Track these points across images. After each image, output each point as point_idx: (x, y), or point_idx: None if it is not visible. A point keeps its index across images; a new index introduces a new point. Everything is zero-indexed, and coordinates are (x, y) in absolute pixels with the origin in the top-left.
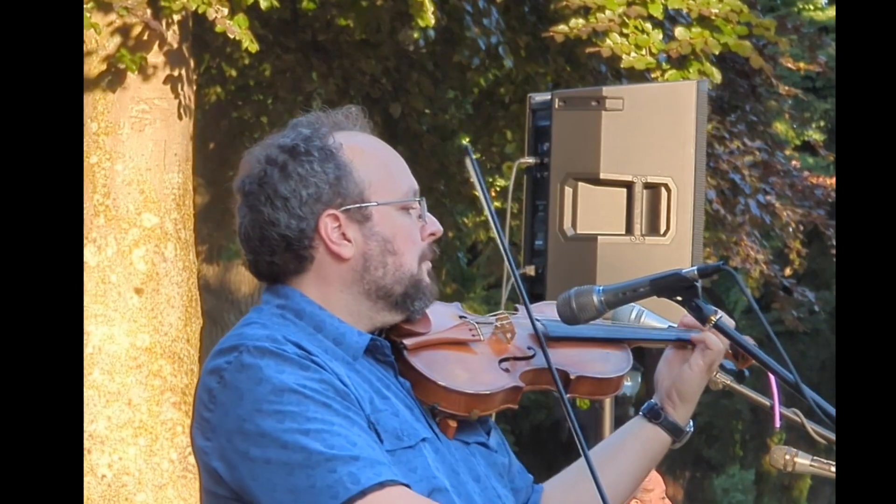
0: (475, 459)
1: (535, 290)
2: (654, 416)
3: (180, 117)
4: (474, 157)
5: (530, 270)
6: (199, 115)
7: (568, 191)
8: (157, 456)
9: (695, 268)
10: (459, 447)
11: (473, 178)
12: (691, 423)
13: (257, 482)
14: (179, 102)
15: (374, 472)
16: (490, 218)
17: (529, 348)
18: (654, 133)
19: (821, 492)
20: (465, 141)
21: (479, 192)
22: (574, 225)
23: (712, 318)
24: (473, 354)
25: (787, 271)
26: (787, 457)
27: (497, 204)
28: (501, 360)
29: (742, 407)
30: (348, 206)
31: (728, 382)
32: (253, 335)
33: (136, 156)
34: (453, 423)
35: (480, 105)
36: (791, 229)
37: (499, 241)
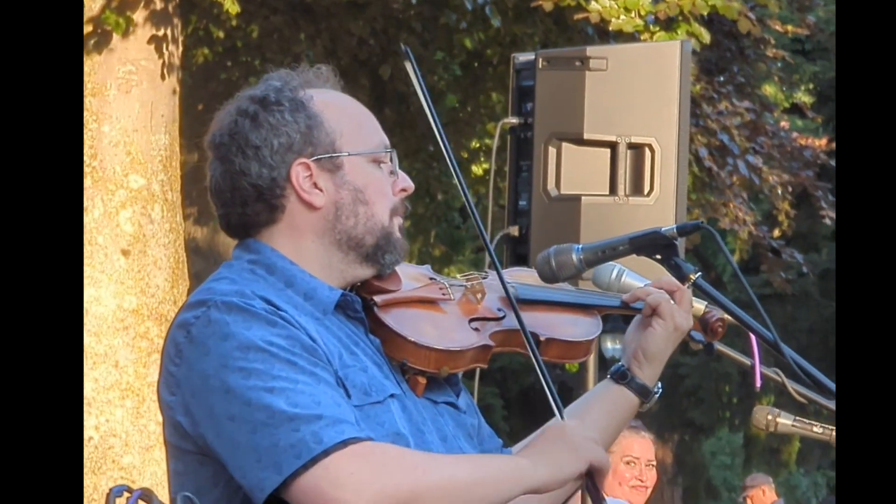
0: (443, 419)
1: (519, 251)
2: (622, 377)
3: (163, 77)
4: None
5: (514, 231)
6: (186, 76)
7: (552, 151)
8: (143, 418)
9: (674, 226)
10: (428, 406)
11: (416, 86)
12: (659, 385)
13: (220, 439)
14: (163, 63)
15: (336, 430)
16: (438, 135)
17: (499, 310)
18: (638, 93)
19: (809, 455)
20: (455, 103)
21: (424, 106)
22: (558, 185)
23: (691, 276)
24: (443, 313)
25: (776, 233)
26: (770, 417)
27: (485, 165)
28: (471, 320)
29: (731, 370)
30: (319, 156)
31: (710, 356)
32: (221, 290)
33: (122, 117)
34: (422, 381)
35: (468, 66)
36: (780, 191)
37: (460, 188)
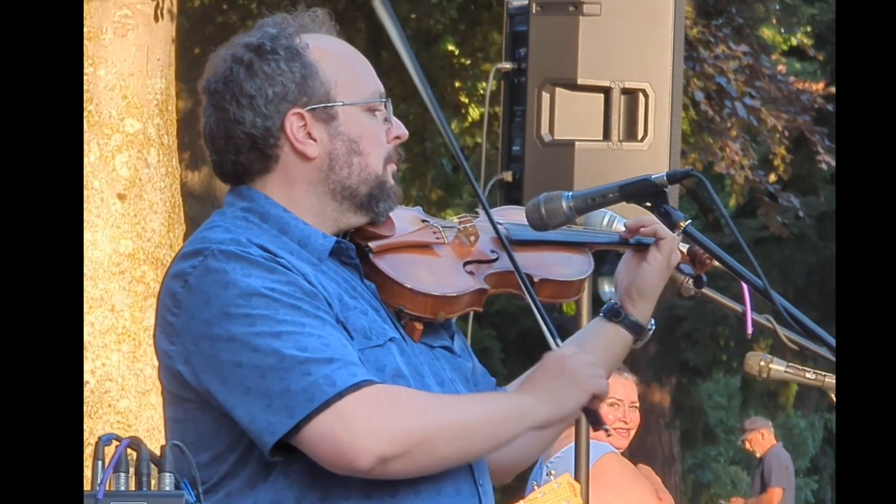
0: (440, 363)
1: (513, 196)
2: (615, 315)
3: (157, 19)
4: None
5: (508, 176)
6: (183, 19)
7: (545, 96)
8: (140, 362)
9: (664, 173)
10: (424, 350)
11: (387, 25)
12: (652, 322)
13: (227, 385)
14: (159, 6)
15: (349, 373)
16: (417, 79)
17: (492, 251)
18: (631, 38)
19: (807, 398)
20: (453, 45)
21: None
22: (551, 131)
23: (681, 223)
24: (438, 257)
25: (772, 177)
26: (763, 363)
27: (481, 109)
28: (466, 263)
29: (728, 313)
30: (314, 106)
31: (700, 289)
32: (217, 238)
33: (118, 61)
34: (419, 326)
35: (465, 9)
36: (777, 136)
37: (440, 127)
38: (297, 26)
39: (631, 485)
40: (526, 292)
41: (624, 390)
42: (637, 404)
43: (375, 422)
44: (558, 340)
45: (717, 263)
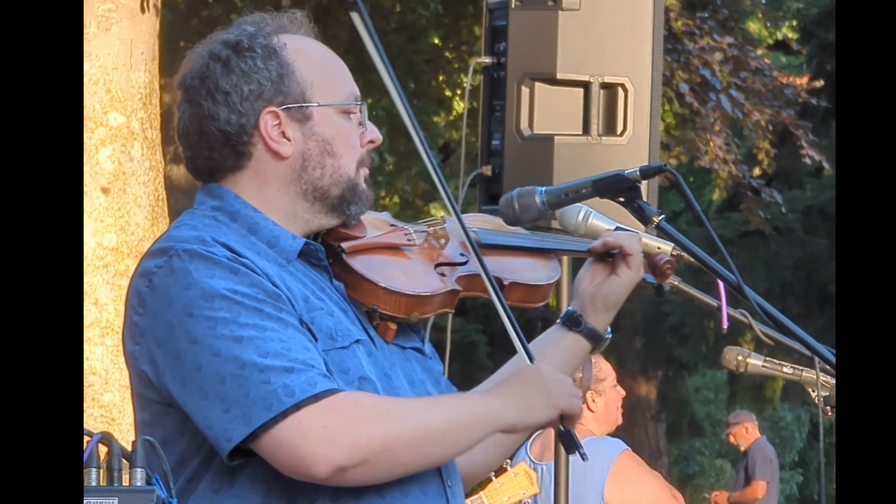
0: (411, 364)
1: (492, 190)
2: (575, 323)
3: (144, 10)
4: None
5: (487, 170)
6: (167, 13)
7: (525, 91)
8: (123, 356)
9: (637, 169)
10: (396, 351)
11: (364, 38)
12: (609, 330)
13: (186, 389)
14: (143, 0)
15: (309, 382)
16: (391, 84)
17: (462, 255)
18: (611, 33)
19: (794, 391)
20: (436, 40)
21: (378, 62)
22: (531, 125)
23: (654, 218)
24: (409, 259)
25: (756, 171)
26: (740, 357)
27: (464, 104)
28: (437, 265)
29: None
30: (289, 105)
31: (676, 284)
32: (182, 237)
33: (102, 55)
34: (393, 326)
35: (449, 3)
36: (761, 130)
37: (411, 129)
38: (275, 26)
39: (649, 482)
40: (494, 296)
41: (603, 371)
42: (616, 385)
43: (332, 431)
44: (531, 353)
45: (675, 258)
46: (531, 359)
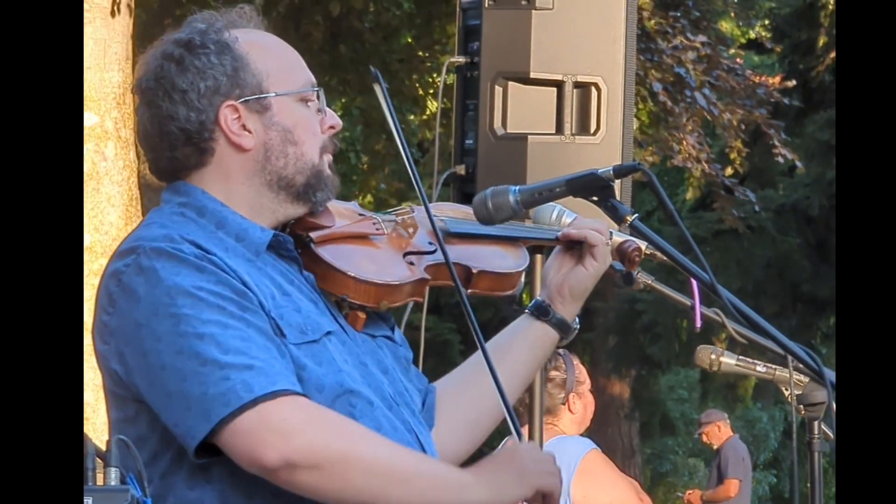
0: (382, 352)
1: (466, 189)
2: (543, 313)
3: (114, 14)
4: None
5: (461, 170)
6: (141, 13)
7: (498, 90)
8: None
9: (611, 168)
10: (367, 340)
11: (384, 107)
12: (577, 320)
13: (153, 388)
14: (116, 0)
15: (269, 380)
16: (399, 140)
17: (430, 243)
18: (584, 32)
19: (765, 390)
20: (409, 39)
21: (390, 124)
22: (504, 124)
23: (628, 217)
24: (378, 248)
25: (728, 170)
26: (713, 356)
27: (437, 103)
28: (406, 254)
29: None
30: (247, 98)
31: (649, 282)
32: (150, 236)
33: None
34: (362, 315)
35: (421, 2)
36: (733, 130)
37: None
38: (225, 21)
39: (616, 481)
40: (454, 280)
41: (583, 374)
42: (590, 389)
43: (291, 426)
44: (518, 426)
45: (649, 256)
46: (519, 436)
